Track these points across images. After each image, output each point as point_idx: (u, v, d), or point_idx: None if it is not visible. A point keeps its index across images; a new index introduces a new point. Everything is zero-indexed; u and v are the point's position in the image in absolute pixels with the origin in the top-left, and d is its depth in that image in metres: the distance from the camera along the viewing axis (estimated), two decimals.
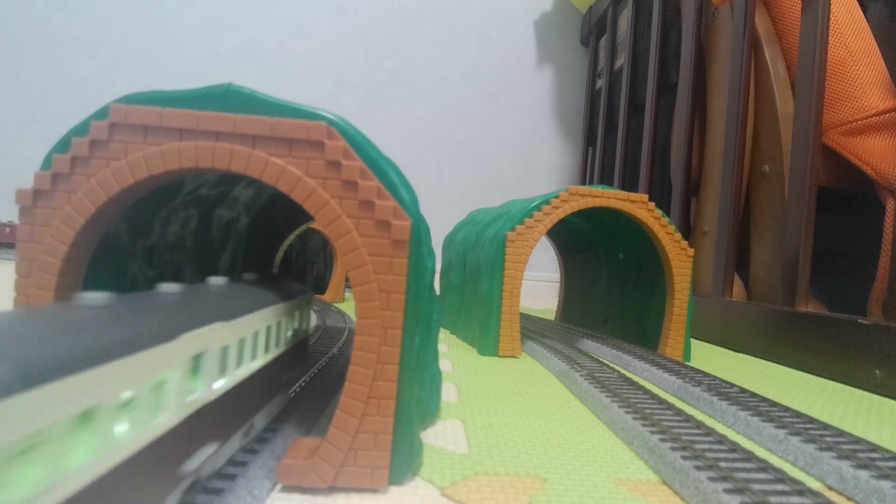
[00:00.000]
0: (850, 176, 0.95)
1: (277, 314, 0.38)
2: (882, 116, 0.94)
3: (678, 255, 0.82)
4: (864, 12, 1.03)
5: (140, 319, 0.22)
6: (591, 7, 2.12)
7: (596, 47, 2.10)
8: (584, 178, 2.14)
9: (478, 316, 0.85)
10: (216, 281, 0.35)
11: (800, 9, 0.96)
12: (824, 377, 0.79)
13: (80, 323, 0.20)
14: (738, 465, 0.35)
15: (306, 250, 1.69)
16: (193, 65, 2.11)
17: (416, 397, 0.38)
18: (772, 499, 0.30)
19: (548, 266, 2.18)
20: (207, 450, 0.27)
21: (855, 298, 1.00)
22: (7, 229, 1.94)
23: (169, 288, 0.29)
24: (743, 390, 0.57)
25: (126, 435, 0.20)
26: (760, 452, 0.43)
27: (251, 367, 0.33)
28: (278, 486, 0.32)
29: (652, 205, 0.82)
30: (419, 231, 0.34)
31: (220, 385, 0.28)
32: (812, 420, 0.47)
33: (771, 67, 1.08)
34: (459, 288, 1.00)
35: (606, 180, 1.86)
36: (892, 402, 0.66)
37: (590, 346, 0.89)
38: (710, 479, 0.32)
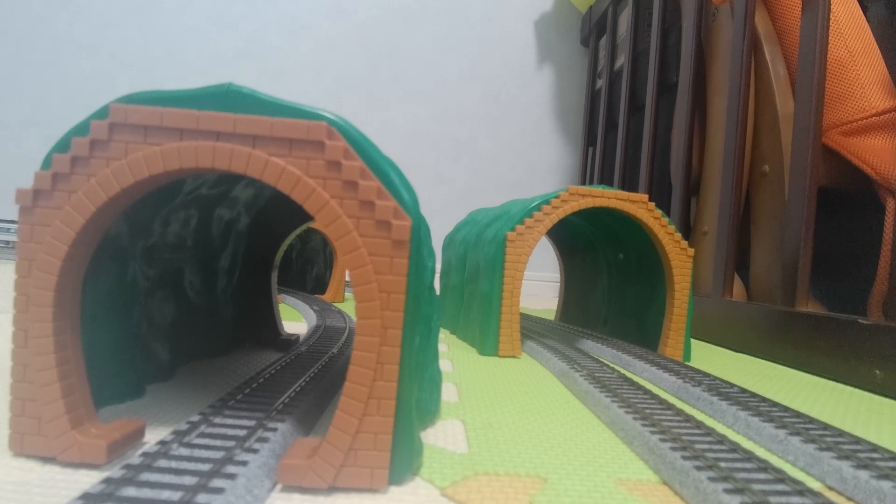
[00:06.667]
0: (850, 176, 0.95)
1: None
2: (882, 116, 0.94)
3: (678, 255, 0.82)
4: (864, 12, 1.03)
5: None
6: (591, 7, 2.12)
7: (596, 47, 2.10)
8: (584, 178, 2.14)
9: (478, 316, 0.84)
10: None
11: (800, 9, 0.96)
12: (824, 377, 0.79)
13: None
14: (739, 465, 0.35)
15: (306, 250, 1.69)
16: (193, 65, 2.10)
17: (416, 397, 0.38)
18: (772, 499, 0.30)
19: (548, 266, 2.18)
20: None
21: (855, 298, 1.00)
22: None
23: None
24: (743, 390, 0.57)
25: None
26: (760, 452, 0.43)
27: None
28: (278, 486, 0.32)
29: (652, 205, 0.82)
30: (419, 231, 0.34)
31: None
32: (812, 420, 0.47)
33: (771, 67, 1.08)
34: (459, 288, 1.00)
35: (606, 180, 1.86)
36: (892, 402, 0.66)
37: (590, 346, 0.89)
38: (710, 479, 0.32)
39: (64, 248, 0.32)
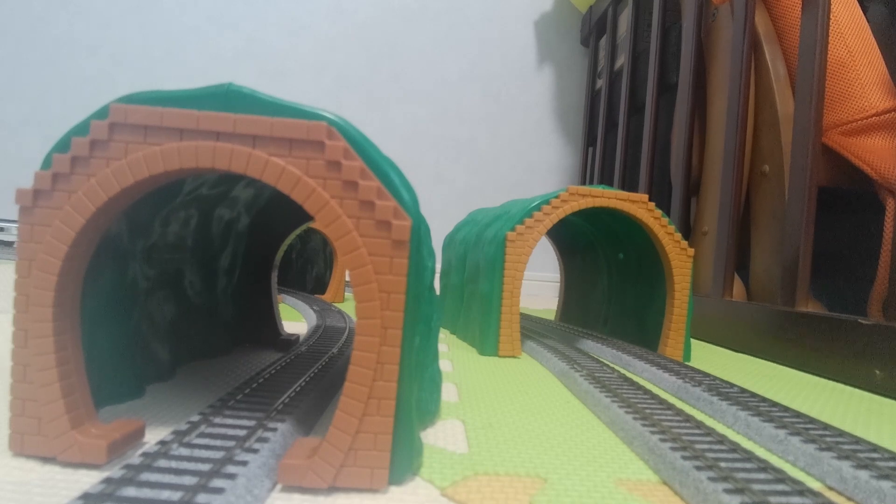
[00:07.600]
0: (850, 176, 0.95)
1: None
2: (882, 116, 0.94)
3: (678, 255, 0.82)
4: (864, 12, 1.03)
5: None
6: (591, 7, 2.12)
7: (596, 47, 2.10)
8: (584, 178, 2.14)
9: (478, 316, 0.84)
10: None
11: (800, 9, 0.96)
12: (824, 377, 0.79)
13: None
14: (738, 465, 0.35)
15: (306, 250, 1.69)
16: (193, 65, 2.10)
17: (416, 397, 0.38)
18: (772, 499, 0.30)
19: (548, 266, 2.18)
20: None
21: (855, 298, 1.00)
22: None
23: None
24: (743, 390, 0.57)
25: None
26: (760, 452, 0.43)
27: None
28: (278, 486, 0.32)
29: (652, 205, 0.82)
30: (419, 231, 0.34)
31: None
32: (812, 420, 0.47)
33: (771, 67, 1.08)
34: (459, 288, 1.00)
35: (606, 180, 1.86)
36: (892, 402, 0.66)
37: (590, 346, 0.89)
38: (710, 479, 0.32)
39: (64, 248, 0.32)
